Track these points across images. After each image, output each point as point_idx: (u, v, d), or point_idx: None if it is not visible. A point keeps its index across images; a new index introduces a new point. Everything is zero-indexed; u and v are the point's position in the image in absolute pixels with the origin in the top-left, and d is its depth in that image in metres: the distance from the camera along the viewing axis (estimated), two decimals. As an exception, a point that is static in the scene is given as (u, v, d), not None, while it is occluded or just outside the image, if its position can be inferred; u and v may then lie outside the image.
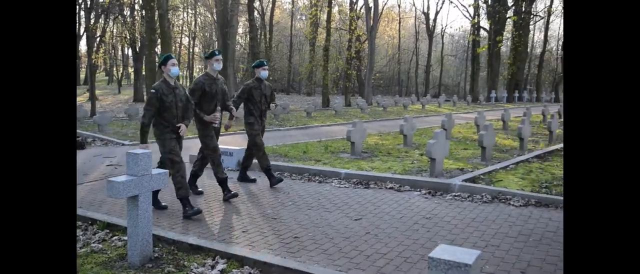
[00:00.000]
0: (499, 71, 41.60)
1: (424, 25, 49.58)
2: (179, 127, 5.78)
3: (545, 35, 47.45)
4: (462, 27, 67.27)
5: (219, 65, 6.47)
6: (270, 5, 46.98)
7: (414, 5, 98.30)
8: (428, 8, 56.83)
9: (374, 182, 7.32)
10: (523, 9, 39.09)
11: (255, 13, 39.39)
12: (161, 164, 6.12)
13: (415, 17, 54.17)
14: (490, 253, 4.56)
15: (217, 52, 6.54)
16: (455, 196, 6.56)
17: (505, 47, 46.00)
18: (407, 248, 4.70)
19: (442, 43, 52.02)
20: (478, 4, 37.93)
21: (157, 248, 4.64)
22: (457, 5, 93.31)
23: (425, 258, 4.43)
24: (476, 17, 38.32)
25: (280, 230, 5.23)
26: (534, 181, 7.33)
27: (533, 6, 42.05)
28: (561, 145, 11.11)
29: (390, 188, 7.05)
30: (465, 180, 7.04)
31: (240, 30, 47.31)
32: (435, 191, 6.79)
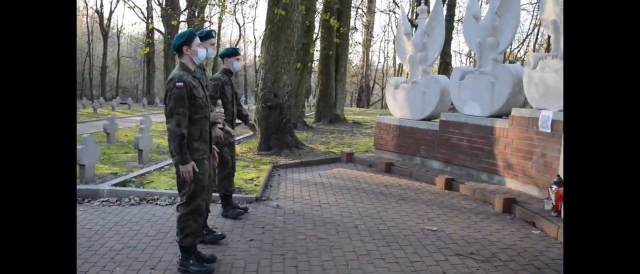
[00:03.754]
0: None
1: (98, 25, 47.25)
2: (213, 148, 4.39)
3: (218, 41, 50.33)
4: (130, 28, 65.84)
5: (213, 51, 5.14)
6: None
7: (86, 3, 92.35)
8: (102, 7, 54.49)
9: (14, 195, 6.72)
10: (196, 15, 40.57)
11: None
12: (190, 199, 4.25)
13: (88, 15, 51.16)
14: (125, 254, 4.64)
15: (214, 33, 5.19)
16: (103, 201, 6.47)
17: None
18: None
19: (118, 44, 50.37)
20: (151, 6, 37.98)
21: None
22: (131, 7, 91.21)
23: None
24: (150, 19, 38.21)
25: None
26: (184, 179, 7.71)
27: (206, 12, 43.99)
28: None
29: (32, 200, 6.57)
30: (115, 184, 7.01)
31: None
32: (83, 198, 6.58)
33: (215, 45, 5.17)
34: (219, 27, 49.35)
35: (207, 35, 5.15)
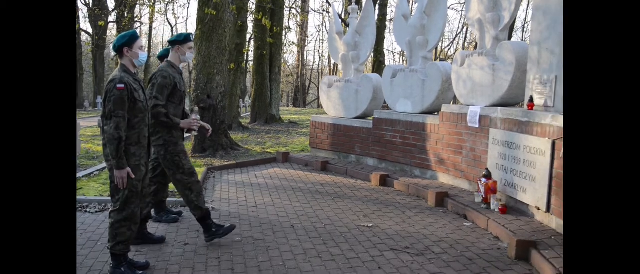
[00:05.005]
0: (103, 75, 41.03)
1: (19, 26, 44.98)
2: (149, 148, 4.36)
3: (150, 41, 49.06)
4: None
5: (191, 55, 4.91)
6: None
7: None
8: (23, 7, 51.74)
9: None
10: (125, 15, 39.41)
11: None
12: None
13: (8, 16, 48.65)
14: (52, 265, 4.45)
15: (191, 37, 5.01)
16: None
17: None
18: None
19: (42, 46, 48.18)
20: (77, 6, 36.60)
21: None
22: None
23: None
24: (76, 20, 36.85)
25: None
26: (115, 185, 7.47)
27: (136, 11, 42.80)
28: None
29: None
30: (40, 192, 6.70)
31: None
32: (5, 209, 6.26)
33: (193, 49, 5.11)
34: (150, 27, 48.13)
35: (186, 39, 5.01)
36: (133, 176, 4.03)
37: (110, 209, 4.17)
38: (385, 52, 30.72)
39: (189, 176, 4.97)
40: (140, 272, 4.22)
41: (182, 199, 6.54)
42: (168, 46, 5.24)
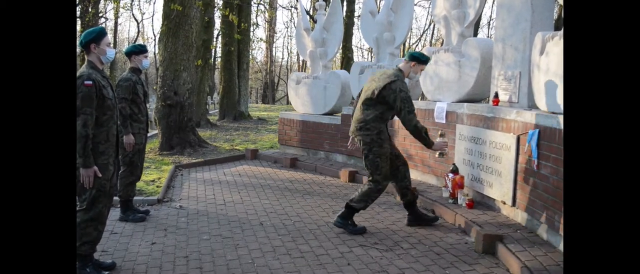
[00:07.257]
0: (68, 72, 40.19)
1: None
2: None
3: (115, 37, 48.07)
4: None
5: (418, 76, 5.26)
6: None
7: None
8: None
9: None
10: (89, 9, 38.57)
11: None
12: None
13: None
14: (14, 267, 4.34)
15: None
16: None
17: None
18: None
19: (2, 42, 46.82)
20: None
21: None
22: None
23: None
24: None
25: None
26: None
27: (100, 6, 41.90)
28: None
29: None
30: None
31: None
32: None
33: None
34: (116, 23, 47.05)
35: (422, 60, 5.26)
36: (100, 175, 3.95)
37: (77, 209, 4.08)
38: (354, 48, 30.82)
39: (383, 179, 5.16)
40: (106, 272, 4.15)
41: (152, 198, 6.47)
42: (133, 43, 5.35)
